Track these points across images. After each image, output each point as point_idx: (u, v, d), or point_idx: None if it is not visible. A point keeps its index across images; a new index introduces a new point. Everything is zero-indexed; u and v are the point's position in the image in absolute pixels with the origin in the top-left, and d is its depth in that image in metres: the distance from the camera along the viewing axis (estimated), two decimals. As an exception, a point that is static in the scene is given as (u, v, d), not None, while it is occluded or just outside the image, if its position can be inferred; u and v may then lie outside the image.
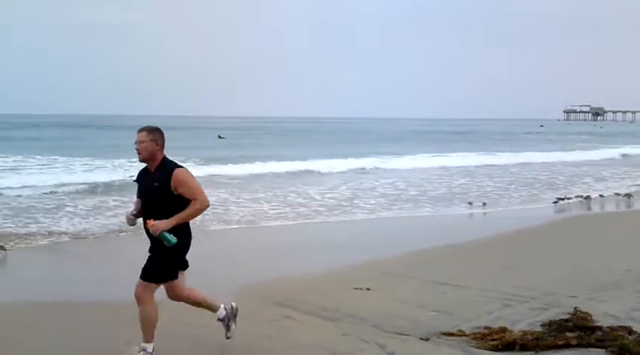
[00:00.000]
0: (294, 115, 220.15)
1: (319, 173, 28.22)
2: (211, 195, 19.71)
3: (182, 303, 6.26)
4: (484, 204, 18.25)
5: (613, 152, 43.45)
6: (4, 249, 11.42)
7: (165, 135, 6.00)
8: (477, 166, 32.71)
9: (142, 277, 5.87)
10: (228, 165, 29.44)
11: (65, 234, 13.51)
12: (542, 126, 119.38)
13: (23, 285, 9.65)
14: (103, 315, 7.70)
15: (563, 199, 19.10)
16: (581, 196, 19.65)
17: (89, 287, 9.32)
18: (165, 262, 5.85)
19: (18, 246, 12.25)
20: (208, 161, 32.17)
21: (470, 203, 18.33)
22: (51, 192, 20.19)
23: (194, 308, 6.30)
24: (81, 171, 27.95)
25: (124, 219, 6.75)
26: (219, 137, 63.27)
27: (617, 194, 20.13)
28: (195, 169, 26.70)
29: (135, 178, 6.20)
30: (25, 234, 13.22)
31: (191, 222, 5.96)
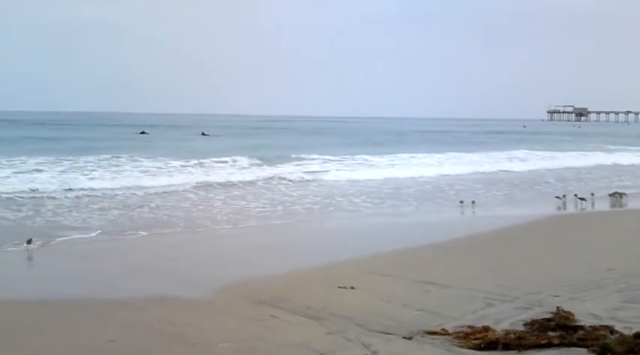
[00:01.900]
0: (290, 114, 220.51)
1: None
2: (191, 192, 19.15)
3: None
4: (473, 202, 18.39)
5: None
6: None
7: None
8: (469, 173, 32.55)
9: None
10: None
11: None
12: (524, 126, 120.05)
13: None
14: (87, 314, 7.67)
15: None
16: (576, 196, 19.61)
17: (73, 285, 9.28)
18: None
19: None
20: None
21: (461, 202, 18.45)
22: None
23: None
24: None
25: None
26: (203, 134, 64.97)
27: (611, 194, 19.98)
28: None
29: None
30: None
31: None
